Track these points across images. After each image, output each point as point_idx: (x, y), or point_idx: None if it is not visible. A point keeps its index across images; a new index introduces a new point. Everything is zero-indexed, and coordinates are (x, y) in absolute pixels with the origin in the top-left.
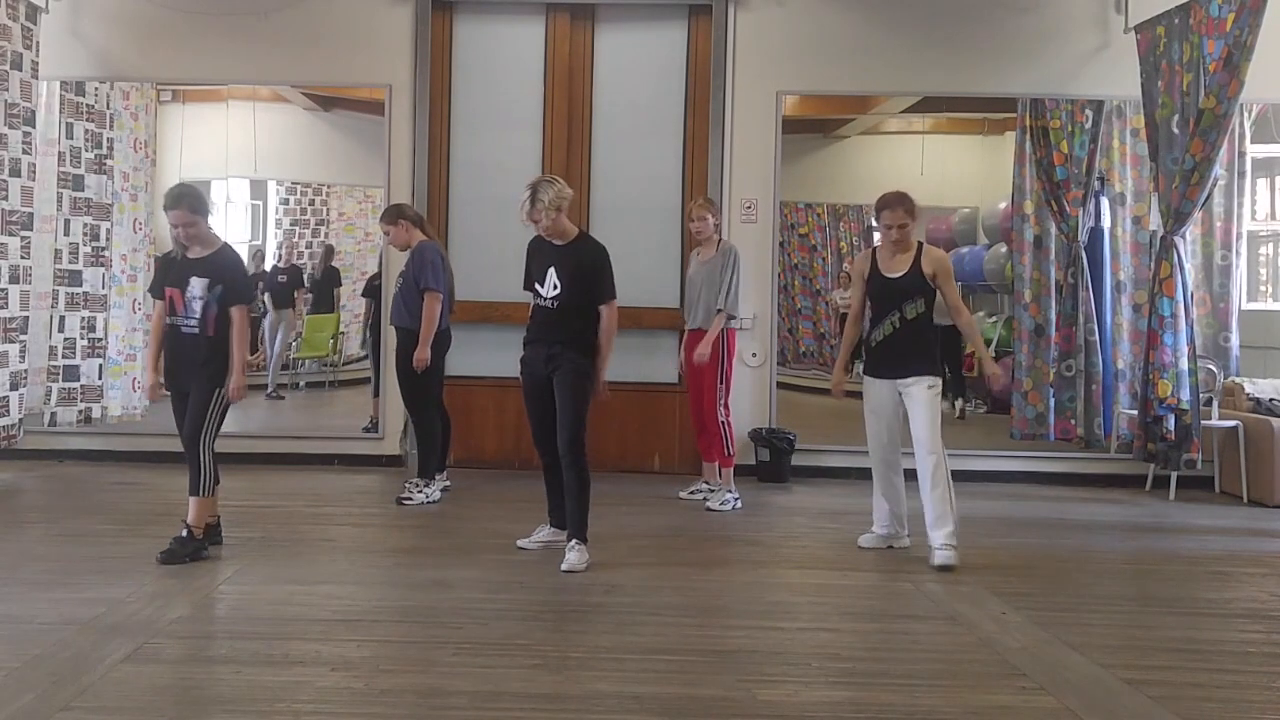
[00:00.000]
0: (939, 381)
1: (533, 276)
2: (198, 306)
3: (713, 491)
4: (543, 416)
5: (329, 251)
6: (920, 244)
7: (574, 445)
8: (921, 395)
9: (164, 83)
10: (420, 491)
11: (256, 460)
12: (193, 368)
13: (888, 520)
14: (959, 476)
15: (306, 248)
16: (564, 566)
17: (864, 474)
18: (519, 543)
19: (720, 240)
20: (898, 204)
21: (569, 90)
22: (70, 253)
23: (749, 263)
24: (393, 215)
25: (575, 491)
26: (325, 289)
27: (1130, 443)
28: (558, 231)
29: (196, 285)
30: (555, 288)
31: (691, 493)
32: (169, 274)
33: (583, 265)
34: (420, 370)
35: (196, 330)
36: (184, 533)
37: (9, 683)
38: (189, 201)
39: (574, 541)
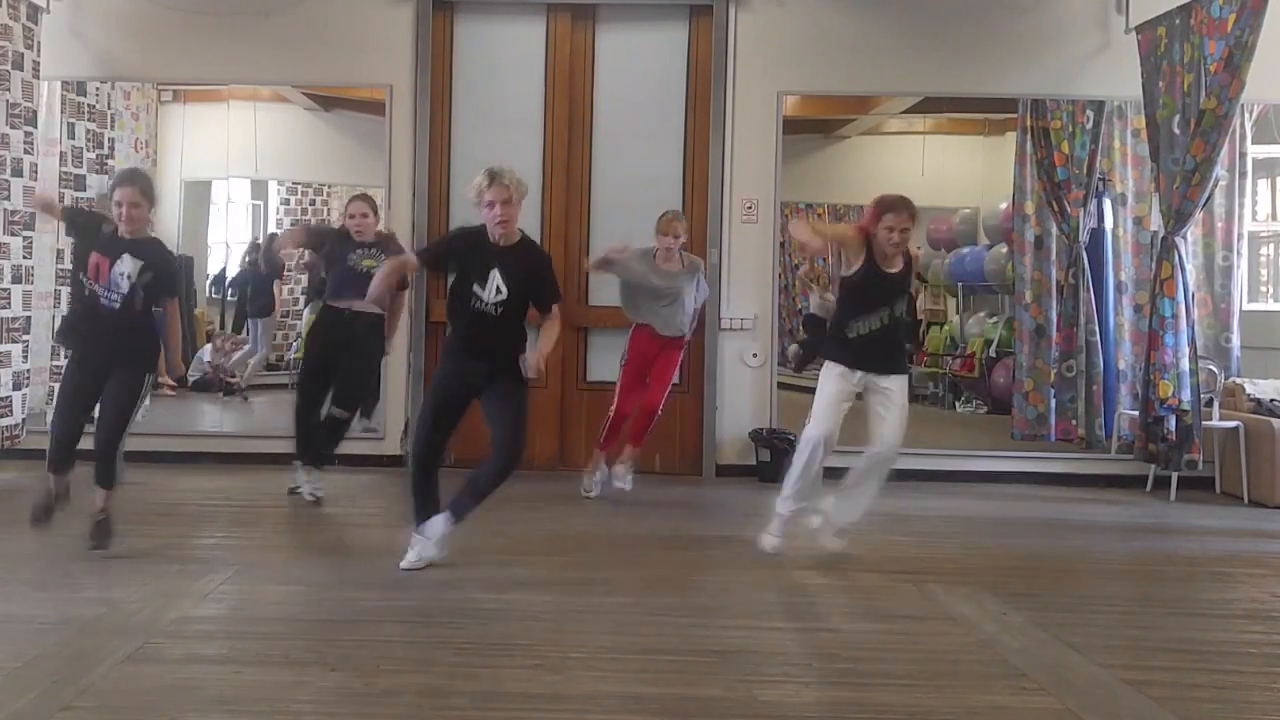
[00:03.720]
0: None
1: (468, 275)
2: (124, 284)
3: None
4: (451, 426)
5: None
6: None
7: (521, 454)
8: (901, 394)
9: (165, 83)
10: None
11: (257, 460)
12: (115, 348)
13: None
14: (959, 476)
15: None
16: (426, 533)
17: None
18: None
19: (684, 254)
20: (903, 208)
21: (570, 90)
22: (72, 253)
23: (749, 263)
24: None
25: (494, 483)
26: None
27: (1131, 443)
28: (509, 228)
29: (128, 263)
30: (499, 292)
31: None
32: (97, 240)
33: (535, 271)
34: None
35: (118, 307)
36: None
37: (9, 683)
38: (142, 184)
39: (450, 516)
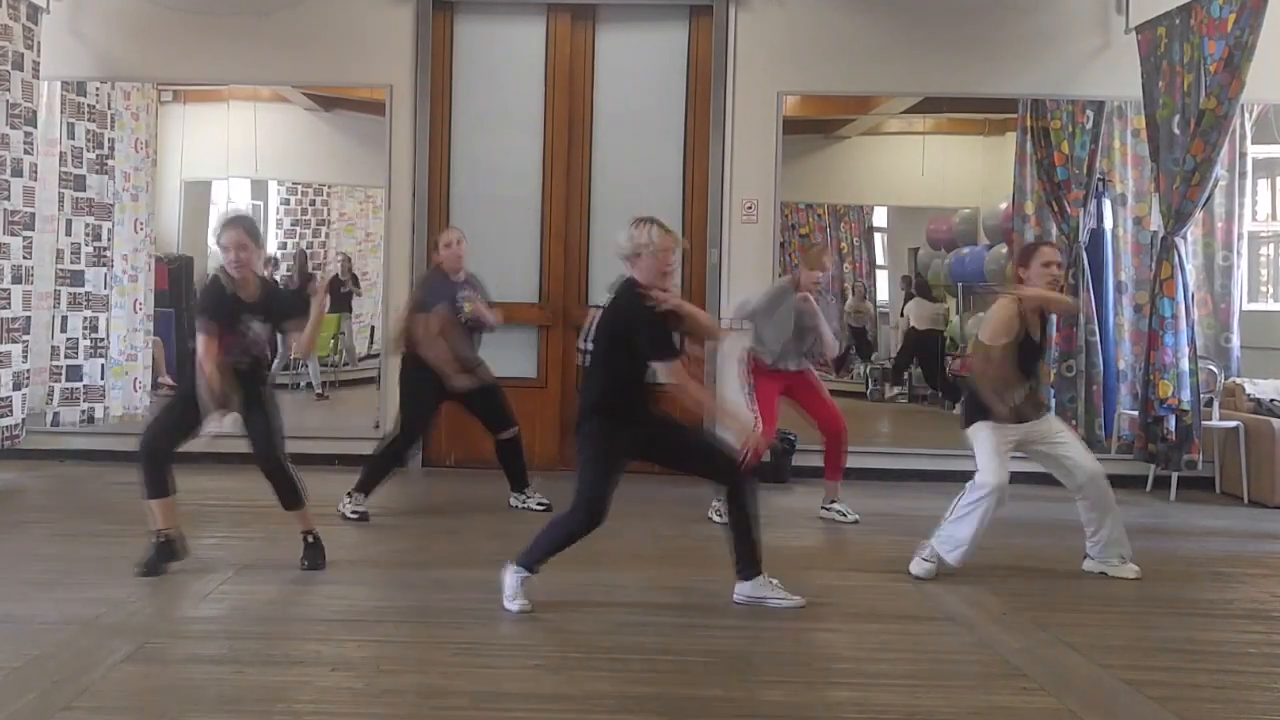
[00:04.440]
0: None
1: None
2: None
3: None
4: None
5: (348, 261)
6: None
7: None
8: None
9: (165, 83)
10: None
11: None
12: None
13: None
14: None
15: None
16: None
17: (864, 474)
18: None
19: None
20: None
21: (570, 90)
22: (72, 253)
23: (749, 263)
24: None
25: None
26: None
27: (1131, 443)
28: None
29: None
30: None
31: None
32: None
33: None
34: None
35: None
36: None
37: (10, 682)
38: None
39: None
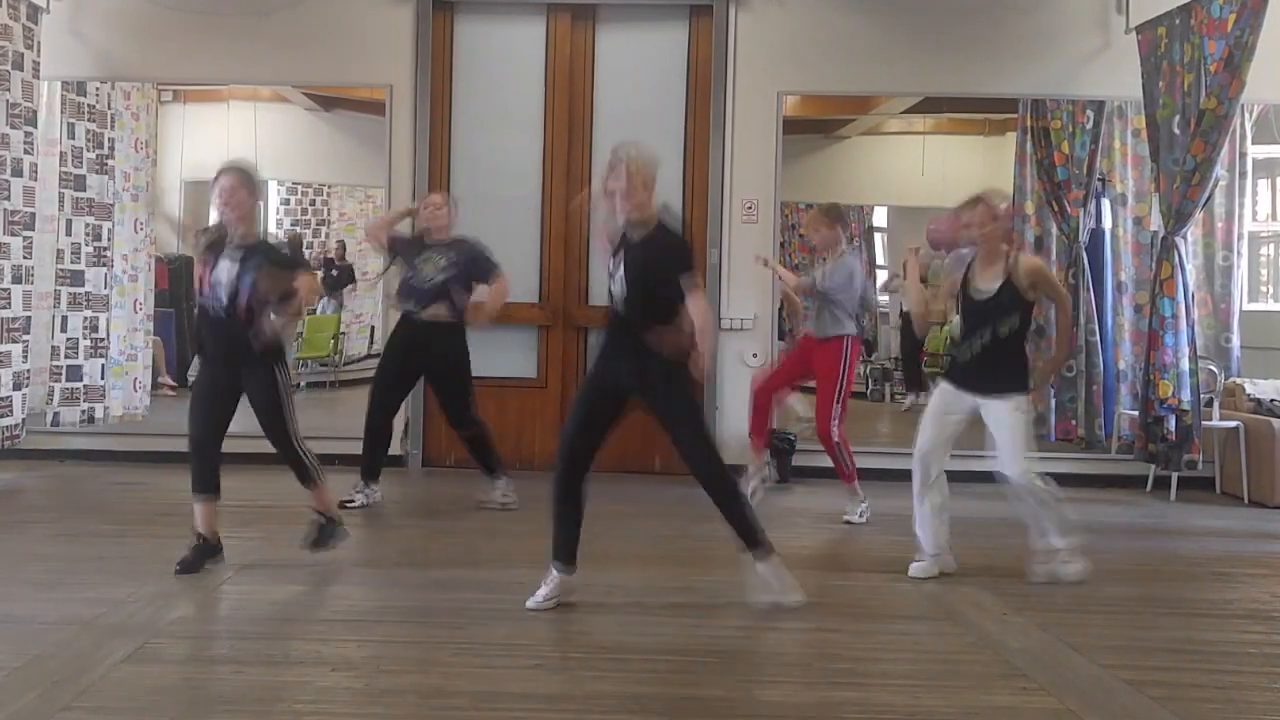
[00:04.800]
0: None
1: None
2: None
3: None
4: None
5: (342, 248)
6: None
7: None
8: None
9: (165, 83)
10: (499, 494)
11: (257, 460)
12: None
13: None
14: (959, 476)
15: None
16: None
17: (864, 474)
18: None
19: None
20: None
21: (570, 90)
22: (72, 253)
23: (749, 263)
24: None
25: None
26: (339, 286)
27: (1131, 443)
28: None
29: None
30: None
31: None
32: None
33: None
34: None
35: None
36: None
37: (9, 683)
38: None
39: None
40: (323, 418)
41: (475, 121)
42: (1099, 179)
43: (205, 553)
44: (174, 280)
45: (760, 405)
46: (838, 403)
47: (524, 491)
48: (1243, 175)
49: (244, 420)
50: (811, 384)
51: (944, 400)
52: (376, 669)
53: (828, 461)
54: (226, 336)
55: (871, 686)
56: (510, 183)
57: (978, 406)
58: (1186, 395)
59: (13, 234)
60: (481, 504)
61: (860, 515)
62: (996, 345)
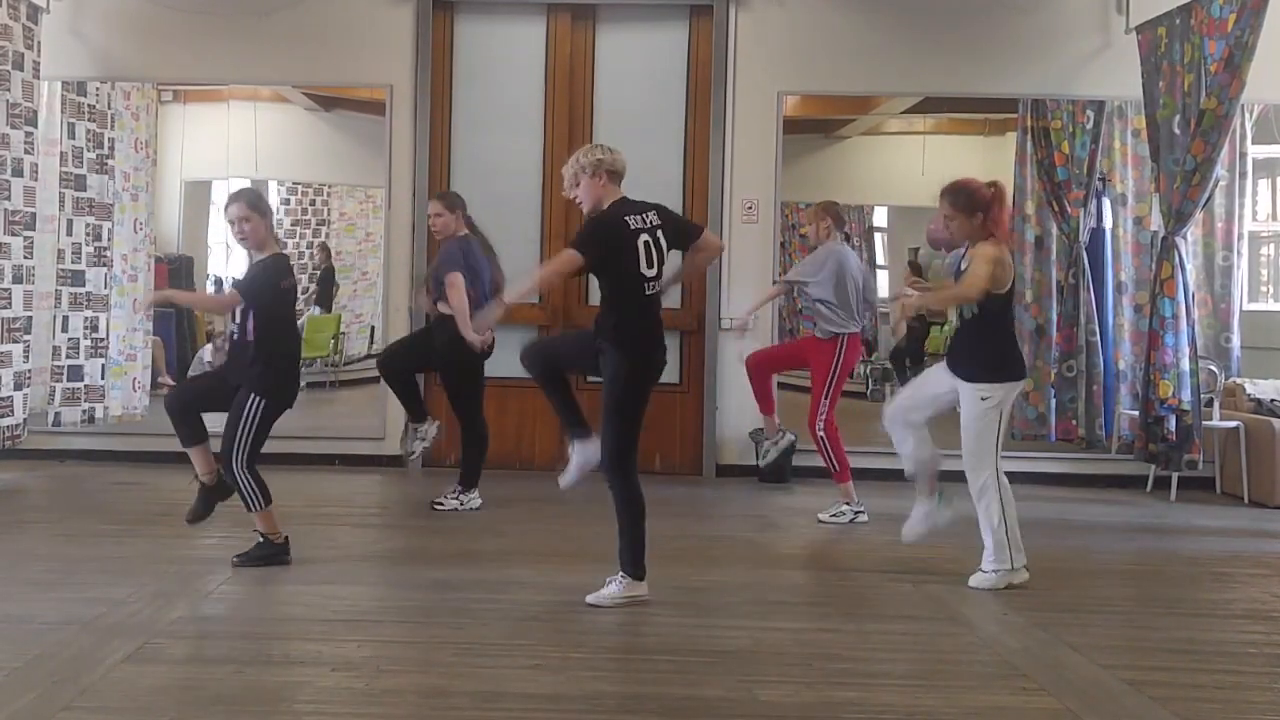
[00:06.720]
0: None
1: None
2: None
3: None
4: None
5: (325, 252)
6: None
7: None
8: (965, 401)
9: (165, 83)
10: (455, 499)
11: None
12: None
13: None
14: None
15: (307, 247)
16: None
17: (863, 474)
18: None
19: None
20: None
21: (570, 90)
22: (73, 253)
23: (749, 263)
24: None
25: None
26: (324, 290)
27: (1131, 443)
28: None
29: None
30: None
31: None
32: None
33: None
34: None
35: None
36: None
37: (10, 683)
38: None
39: None
40: (323, 418)
41: (475, 121)
42: (1099, 179)
43: (210, 497)
44: (174, 280)
45: (757, 376)
46: (826, 398)
47: (524, 491)
48: (1243, 175)
49: None
50: (798, 380)
51: (934, 372)
52: (376, 669)
53: None
54: (231, 353)
55: (871, 686)
56: (510, 183)
57: (956, 389)
58: (1187, 395)
59: (13, 234)
60: (436, 503)
61: (833, 516)
62: (964, 327)
